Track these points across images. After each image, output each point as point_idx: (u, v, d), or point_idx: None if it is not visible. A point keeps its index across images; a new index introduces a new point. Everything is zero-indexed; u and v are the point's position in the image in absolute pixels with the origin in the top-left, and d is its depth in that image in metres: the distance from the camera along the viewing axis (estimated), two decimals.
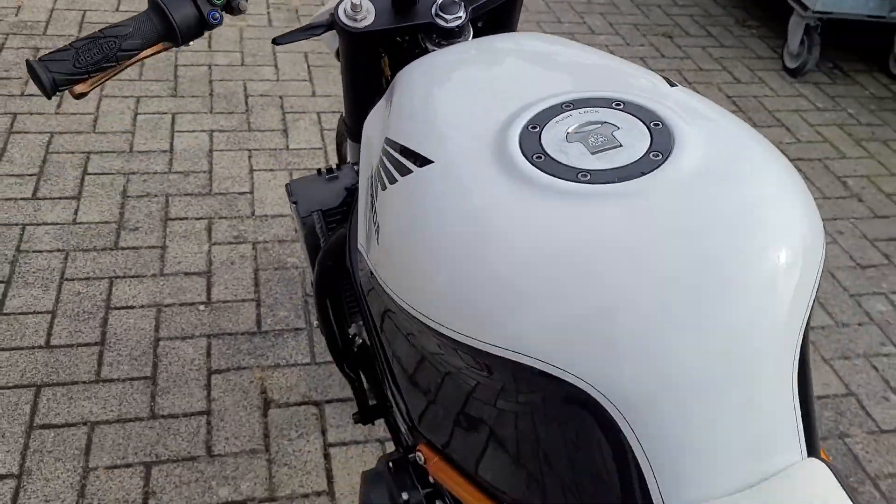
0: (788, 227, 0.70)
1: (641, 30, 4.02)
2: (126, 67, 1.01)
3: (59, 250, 2.29)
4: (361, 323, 1.40)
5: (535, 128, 0.79)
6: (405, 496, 1.10)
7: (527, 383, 0.70)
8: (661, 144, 0.75)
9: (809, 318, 0.71)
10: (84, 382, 1.93)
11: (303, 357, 2.08)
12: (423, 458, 0.95)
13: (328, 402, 1.98)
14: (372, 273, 0.90)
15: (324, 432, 1.91)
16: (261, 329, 2.14)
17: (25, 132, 2.73)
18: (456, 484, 0.89)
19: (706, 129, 0.77)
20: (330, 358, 2.09)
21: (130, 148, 2.74)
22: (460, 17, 1.09)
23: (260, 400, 1.96)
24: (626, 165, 0.73)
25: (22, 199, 2.45)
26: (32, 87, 2.95)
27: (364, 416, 1.41)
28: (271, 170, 2.73)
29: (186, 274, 2.28)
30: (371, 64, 1.17)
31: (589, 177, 0.72)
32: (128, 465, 1.77)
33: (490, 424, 0.80)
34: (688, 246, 0.65)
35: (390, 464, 1.13)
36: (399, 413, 1.00)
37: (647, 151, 0.74)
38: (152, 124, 2.87)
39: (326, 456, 1.86)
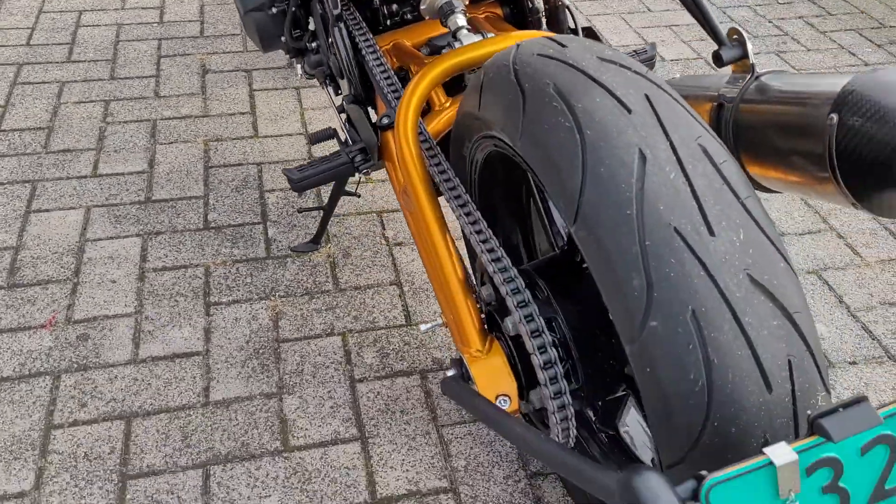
0: None
1: None
2: None
3: None
4: None
5: None
6: None
7: None
8: None
9: None
10: (57, 62, 2.39)
11: (238, 48, 2.52)
12: None
13: (256, 70, 2.42)
14: None
15: (250, 84, 2.35)
16: (203, 34, 2.58)
17: None
18: None
19: None
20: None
21: None
22: None
23: (200, 70, 2.40)
24: None
25: None
26: None
27: None
28: None
29: (143, 8, 2.73)
30: None
31: None
32: (91, 101, 2.22)
33: None
34: None
35: None
36: None
37: None
38: None
39: (251, 96, 2.30)
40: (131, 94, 2.26)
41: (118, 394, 1.42)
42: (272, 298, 1.63)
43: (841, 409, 0.64)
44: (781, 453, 0.62)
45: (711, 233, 0.74)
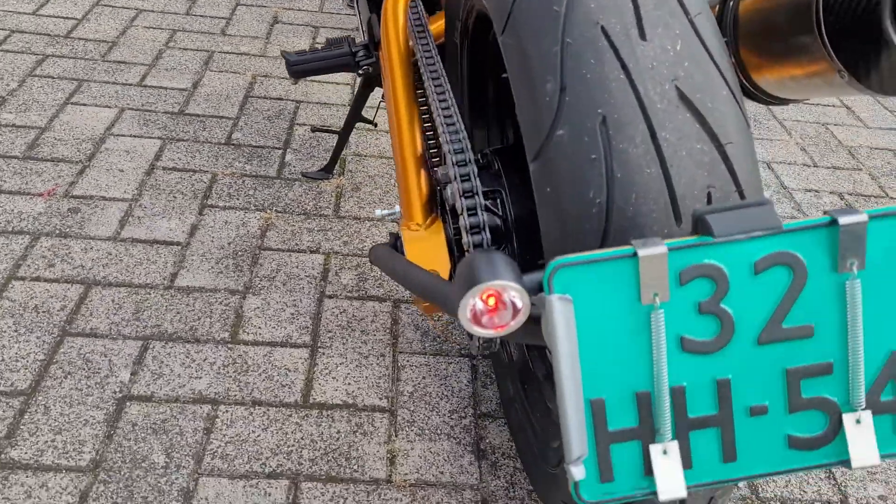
0: None
1: None
2: None
3: None
4: None
5: None
6: None
7: None
8: None
9: None
10: None
11: (313, 8, 2.55)
12: None
13: (324, 27, 2.44)
14: None
15: (314, 38, 2.36)
16: None
17: None
18: None
19: None
20: (330, 7, 2.55)
21: None
22: None
23: (271, 20, 2.43)
24: None
25: None
26: None
27: None
28: None
29: None
30: None
31: None
32: (159, 28, 2.28)
33: None
34: None
35: None
36: None
37: None
38: None
39: (311, 48, 2.30)
40: (199, 28, 2.31)
41: (88, 262, 1.40)
42: (267, 211, 1.59)
43: (735, 209, 0.52)
44: (649, 245, 0.51)
45: (643, 36, 0.63)
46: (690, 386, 0.53)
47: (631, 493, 0.54)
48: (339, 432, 1.16)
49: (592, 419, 0.53)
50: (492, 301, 0.53)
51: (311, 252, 1.50)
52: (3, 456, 1.06)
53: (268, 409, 1.18)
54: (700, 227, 0.51)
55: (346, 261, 1.49)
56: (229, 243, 1.49)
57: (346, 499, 1.07)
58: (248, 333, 1.30)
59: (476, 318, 0.53)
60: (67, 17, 2.25)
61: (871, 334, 0.53)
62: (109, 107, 1.86)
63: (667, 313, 0.52)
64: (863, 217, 0.51)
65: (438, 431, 1.18)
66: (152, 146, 1.74)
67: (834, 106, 2.40)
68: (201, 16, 2.39)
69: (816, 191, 1.95)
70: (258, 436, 1.14)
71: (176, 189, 1.61)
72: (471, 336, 1.09)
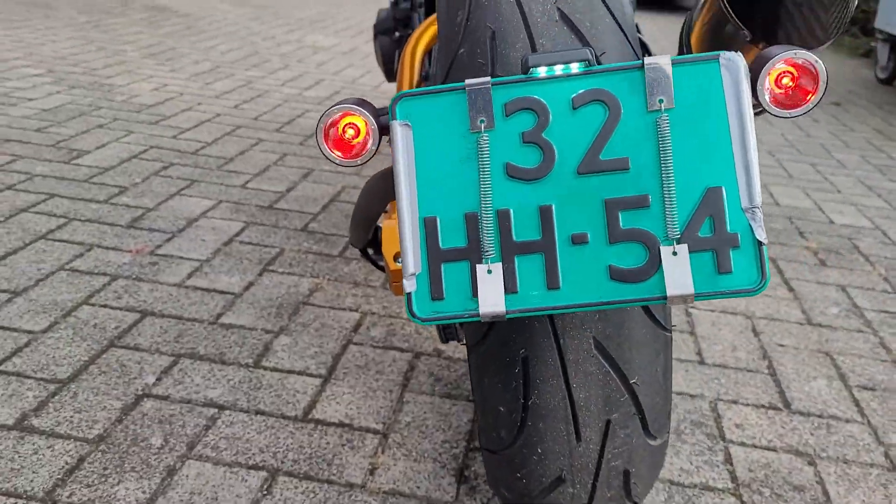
0: None
1: None
2: None
3: None
4: None
5: None
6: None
7: None
8: None
9: None
10: (266, 130, 2.85)
11: None
12: None
13: None
14: None
15: None
16: None
17: None
18: None
19: None
20: None
21: None
22: None
23: None
24: None
25: None
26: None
27: None
28: None
29: None
30: None
31: None
32: (273, 152, 2.59)
33: None
34: None
35: None
36: None
37: None
38: None
39: None
40: (308, 153, 2.61)
41: (149, 298, 1.56)
42: (320, 277, 1.71)
43: (555, 52, 0.58)
44: (476, 79, 0.58)
45: None
46: (516, 211, 0.57)
47: (458, 313, 0.57)
48: (328, 443, 1.18)
49: (426, 237, 0.57)
50: (350, 131, 0.61)
51: (350, 311, 1.59)
52: (25, 422, 1.17)
53: (267, 419, 1.23)
54: (522, 66, 0.58)
55: (380, 320, 1.56)
56: (277, 298, 1.61)
57: (318, 493, 1.08)
58: (269, 362, 1.38)
59: (330, 139, 0.61)
60: (199, 141, 2.62)
61: (686, 171, 0.55)
62: (210, 199, 2.12)
63: (493, 140, 0.57)
64: (665, 60, 0.56)
65: (425, 455, 1.18)
66: (236, 227, 1.94)
67: None
68: (311, 146, 2.70)
69: (894, 313, 1.85)
70: (251, 437, 1.18)
71: (245, 257, 1.78)
72: (446, 339, 1.13)
